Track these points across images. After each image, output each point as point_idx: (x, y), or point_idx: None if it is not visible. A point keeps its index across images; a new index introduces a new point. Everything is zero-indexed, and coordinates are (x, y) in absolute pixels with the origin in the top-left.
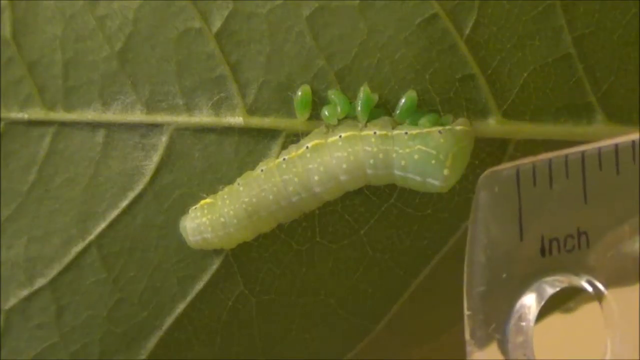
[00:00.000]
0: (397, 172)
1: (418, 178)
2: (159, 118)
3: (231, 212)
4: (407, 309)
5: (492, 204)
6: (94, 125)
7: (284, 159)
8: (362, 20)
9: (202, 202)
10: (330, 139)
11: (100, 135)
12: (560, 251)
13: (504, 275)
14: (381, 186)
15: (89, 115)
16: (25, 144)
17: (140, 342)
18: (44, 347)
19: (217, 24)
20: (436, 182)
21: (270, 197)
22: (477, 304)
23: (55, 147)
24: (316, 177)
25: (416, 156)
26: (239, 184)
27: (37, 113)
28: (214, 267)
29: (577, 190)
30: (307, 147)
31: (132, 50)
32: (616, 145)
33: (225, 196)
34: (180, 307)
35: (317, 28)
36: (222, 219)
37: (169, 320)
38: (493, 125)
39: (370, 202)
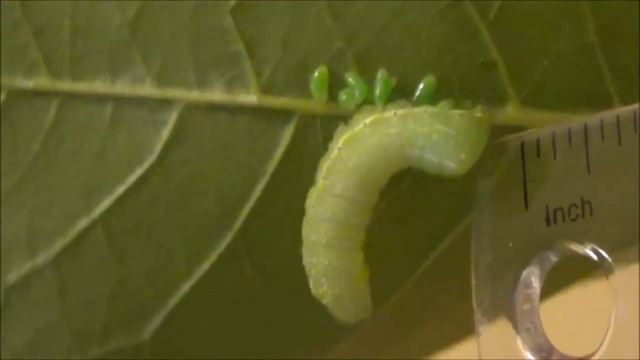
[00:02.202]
0: (415, 152)
1: (434, 159)
2: (170, 93)
3: (326, 262)
4: (414, 292)
5: (498, 176)
6: (101, 98)
7: (323, 178)
8: (384, 1)
9: (314, 291)
10: (357, 129)
11: (108, 109)
12: (564, 220)
13: (510, 245)
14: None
15: (97, 86)
16: (29, 114)
17: (143, 322)
18: (44, 324)
19: None
20: (452, 165)
21: (341, 216)
22: (484, 274)
23: (60, 118)
24: (363, 169)
25: (435, 136)
26: (308, 237)
27: (42, 81)
28: (221, 247)
29: (580, 161)
30: (340, 148)
31: (145, 20)
32: (618, 117)
33: (312, 256)
34: (186, 287)
35: (338, 8)
36: (330, 271)
37: (173, 301)
38: (511, 112)
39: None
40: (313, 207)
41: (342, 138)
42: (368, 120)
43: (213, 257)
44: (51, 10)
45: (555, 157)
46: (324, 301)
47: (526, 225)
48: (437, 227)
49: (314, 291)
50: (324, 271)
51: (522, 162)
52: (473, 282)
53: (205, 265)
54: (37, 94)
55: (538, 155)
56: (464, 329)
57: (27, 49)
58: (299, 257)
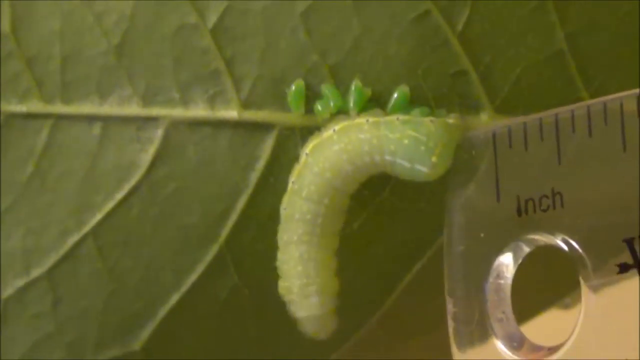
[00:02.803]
0: (386, 157)
1: (406, 164)
2: (155, 111)
3: (299, 268)
4: (401, 302)
5: (470, 167)
6: (91, 118)
7: (292, 182)
8: (355, 16)
9: (281, 290)
10: (325, 135)
11: (97, 128)
12: (535, 211)
13: (482, 235)
14: (374, 180)
15: (86, 108)
16: (23, 137)
17: (134, 332)
18: (40, 337)
19: (212, 20)
20: (423, 169)
21: (309, 219)
22: (456, 264)
23: (52, 139)
24: (328, 174)
25: (406, 141)
26: (282, 238)
27: (35, 106)
28: (208, 259)
29: (551, 152)
30: (307, 154)
31: (129, 45)
32: (588, 108)
33: (284, 259)
34: (175, 298)
35: (311, 24)
36: (301, 280)
37: (162, 311)
38: (485, 120)
39: (362, 196)
40: (284, 209)
41: (310, 144)
42: (337, 127)
43: (200, 269)
44: (41, 40)
45: (526, 148)
46: (290, 296)
47: (498, 216)
48: (420, 237)
49: (280, 287)
50: (294, 264)
51: (494, 153)
52: (445, 272)
53: (193, 277)
54: (31, 117)
55: (510, 146)
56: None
57: (21, 76)
58: None
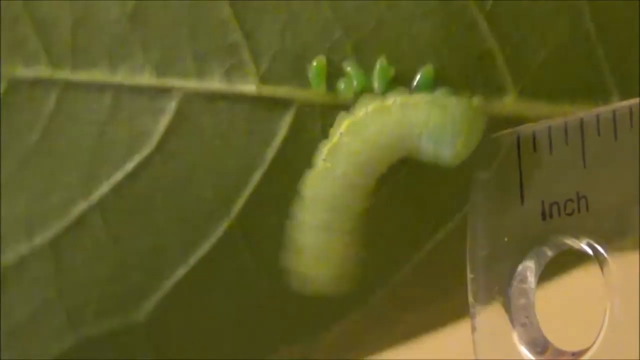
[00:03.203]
0: (414, 141)
1: (431, 147)
2: (169, 82)
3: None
4: (408, 279)
5: (493, 170)
6: (101, 87)
7: (323, 160)
8: None
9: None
10: (359, 115)
11: (107, 97)
12: (560, 215)
13: (506, 239)
14: None
15: (97, 75)
16: (29, 103)
17: (138, 304)
18: (39, 302)
19: None
20: (448, 153)
21: (325, 197)
22: (479, 268)
23: (60, 106)
24: (362, 157)
25: (431, 124)
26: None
27: (42, 71)
28: (218, 234)
29: (576, 156)
30: (341, 133)
31: (144, 12)
32: (614, 112)
33: (304, 234)
34: (181, 272)
35: None
36: (322, 251)
37: (168, 284)
38: (509, 103)
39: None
40: (310, 188)
41: (344, 123)
42: (370, 108)
43: (210, 243)
44: (51, 3)
45: (551, 151)
46: (301, 256)
47: (522, 220)
48: (433, 218)
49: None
50: (312, 246)
51: (518, 157)
52: (468, 276)
53: (201, 252)
54: (38, 83)
55: (534, 149)
56: (455, 315)
57: (28, 40)
58: None
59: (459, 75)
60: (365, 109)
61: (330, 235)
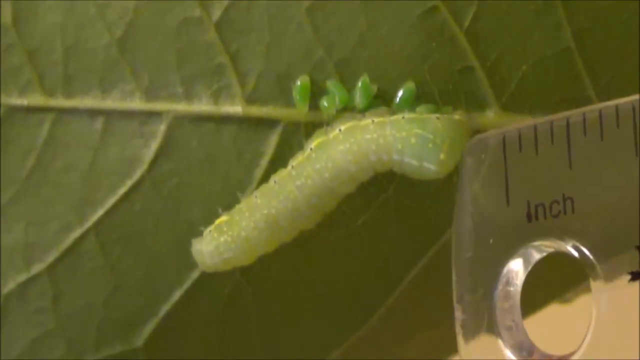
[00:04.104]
0: (394, 157)
1: (414, 162)
2: (158, 106)
3: (251, 225)
4: (404, 298)
5: (479, 171)
6: (93, 113)
7: (292, 166)
8: (361, 11)
9: (218, 221)
10: (332, 134)
11: (99, 123)
12: (546, 216)
13: (491, 241)
14: (378, 177)
15: (88, 102)
16: (24, 130)
17: (136, 329)
18: (40, 333)
19: (217, 13)
20: (432, 167)
21: (289, 205)
22: (464, 270)
23: (54, 133)
24: (327, 174)
25: (413, 140)
26: (256, 196)
27: (36, 99)
28: None
29: (562, 156)
30: (311, 148)
31: (132, 39)
32: (600, 112)
33: (244, 209)
34: (177, 295)
35: (317, 19)
36: (243, 234)
37: (165, 308)
38: (492, 117)
39: (367, 193)
40: (275, 182)
41: (316, 140)
42: (344, 127)
43: None
44: (43, 33)
45: (537, 152)
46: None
47: (507, 222)
48: (424, 234)
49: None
50: (245, 223)
51: (504, 157)
52: (453, 278)
53: (196, 274)
54: (32, 110)
55: (520, 150)
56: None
57: (22, 69)
58: (288, 264)
59: (440, 91)
60: (339, 128)
61: (265, 230)
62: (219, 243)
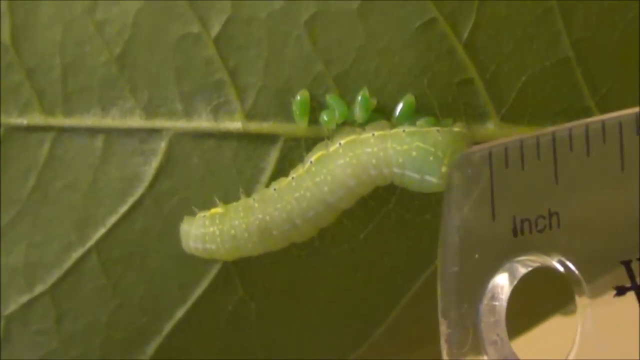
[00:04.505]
0: (395, 170)
1: (416, 175)
2: (158, 123)
3: (243, 226)
4: (407, 313)
5: (465, 186)
6: (93, 131)
7: (292, 178)
8: (360, 24)
9: (213, 210)
10: (332, 148)
11: (99, 141)
12: (531, 231)
13: (477, 256)
14: (379, 191)
15: (88, 120)
16: (24, 150)
17: (139, 348)
18: (43, 354)
19: (215, 29)
20: (433, 180)
21: (284, 215)
22: (450, 284)
23: (54, 152)
24: (326, 188)
25: (414, 153)
26: (254, 199)
27: (36, 118)
28: (214, 272)
29: (548, 171)
30: (311, 162)
31: (131, 55)
32: (586, 127)
33: (240, 208)
34: (180, 313)
35: (316, 33)
36: (232, 232)
37: (168, 326)
38: (492, 129)
39: (369, 207)
40: (274, 189)
41: (316, 154)
42: (344, 140)
43: (206, 282)
44: (42, 51)
45: (523, 167)
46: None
47: (493, 236)
48: (427, 247)
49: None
50: (238, 222)
51: (490, 172)
52: (439, 293)
53: (198, 291)
54: (32, 130)
55: (506, 165)
56: None
57: (21, 87)
58: (291, 279)
59: (440, 103)
60: (339, 142)
61: (255, 234)
62: (207, 232)
